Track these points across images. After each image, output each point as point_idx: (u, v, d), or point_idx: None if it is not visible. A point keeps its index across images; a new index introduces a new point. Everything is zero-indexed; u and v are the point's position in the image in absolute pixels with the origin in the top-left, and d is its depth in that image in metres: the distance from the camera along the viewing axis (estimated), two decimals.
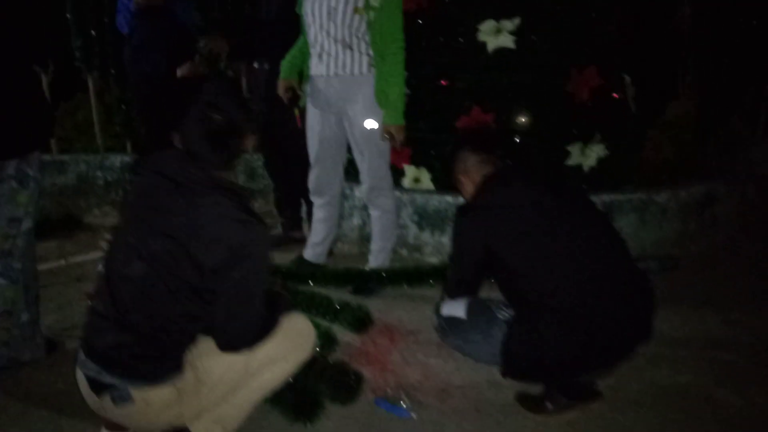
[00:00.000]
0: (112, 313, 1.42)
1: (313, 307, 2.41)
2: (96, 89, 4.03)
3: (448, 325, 1.85)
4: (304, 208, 3.32)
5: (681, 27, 4.31)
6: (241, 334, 1.48)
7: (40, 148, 1.98)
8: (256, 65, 3.10)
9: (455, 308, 1.84)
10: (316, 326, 2.15)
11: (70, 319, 2.36)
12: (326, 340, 2.11)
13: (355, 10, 2.35)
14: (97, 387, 1.43)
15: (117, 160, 4.01)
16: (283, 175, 3.27)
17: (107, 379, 1.41)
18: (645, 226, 2.99)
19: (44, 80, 3.99)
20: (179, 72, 3.19)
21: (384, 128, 2.46)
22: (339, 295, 2.54)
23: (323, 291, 2.56)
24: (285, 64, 2.62)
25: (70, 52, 3.89)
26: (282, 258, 3.11)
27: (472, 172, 1.89)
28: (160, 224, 1.41)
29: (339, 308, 2.35)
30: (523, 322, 1.72)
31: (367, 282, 2.65)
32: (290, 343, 1.60)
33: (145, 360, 1.42)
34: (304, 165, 2.80)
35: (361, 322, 2.28)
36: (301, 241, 3.33)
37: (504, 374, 1.81)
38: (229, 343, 1.49)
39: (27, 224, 1.94)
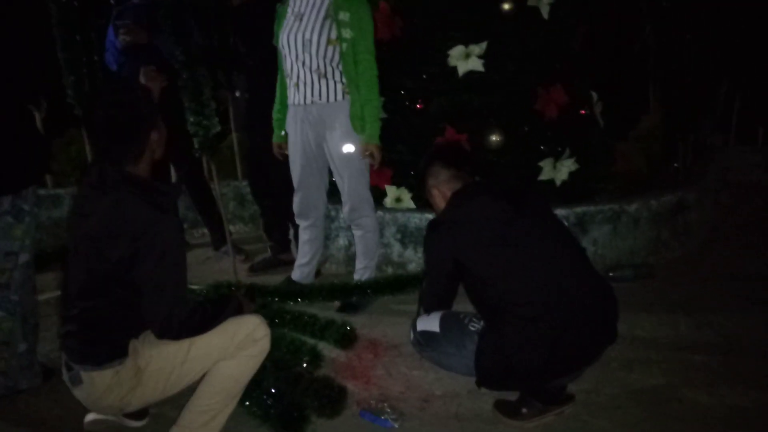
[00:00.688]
0: (64, 308, 1.70)
1: (300, 325, 2.51)
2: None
3: (424, 339, 1.96)
4: (291, 231, 3.43)
5: (645, 42, 4.49)
6: (165, 323, 1.59)
7: (35, 183, 2.07)
8: (237, 94, 3.24)
9: (429, 323, 1.95)
10: (303, 343, 2.28)
11: None
12: (312, 356, 2.20)
13: (329, 41, 2.50)
14: (68, 372, 1.69)
15: None
16: (269, 199, 3.39)
17: (70, 364, 1.66)
18: (618, 236, 3.11)
19: (38, 117, 4.15)
20: (121, 40, 3.29)
21: (363, 148, 2.59)
22: (325, 313, 2.64)
23: (310, 310, 2.66)
24: (274, 126, 2.80)
25: (62, 89, 4.01)
26: (272, 280, 3.22)
27: (442, 186, 2.00)
28: (84, 226, 1.61)
29: (325, 325, 2.45)
30: (492, 331, 1.82)
31: (352, 294, 2.74)
32: (237, 342, 1.69)
33: (90, 345, 1.63)
34: (288, 189, 2.92)
35: (346, 338, 2.38)
36: (291, 263, 3.44)
37: (479, 384, 1.90)
38: (158, 332, 1.62)
39: (24, 258, 2.04)
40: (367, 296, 2.73)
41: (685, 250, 3.37)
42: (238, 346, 1.70)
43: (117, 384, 1.63)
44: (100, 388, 1.62)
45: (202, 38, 3.34)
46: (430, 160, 2.07)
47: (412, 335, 2.02)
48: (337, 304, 2.77)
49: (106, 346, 1.63)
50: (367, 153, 2.61)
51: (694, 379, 2.09)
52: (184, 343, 1.66)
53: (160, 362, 1.66)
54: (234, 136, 4.26)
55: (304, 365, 2.15)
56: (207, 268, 3.56)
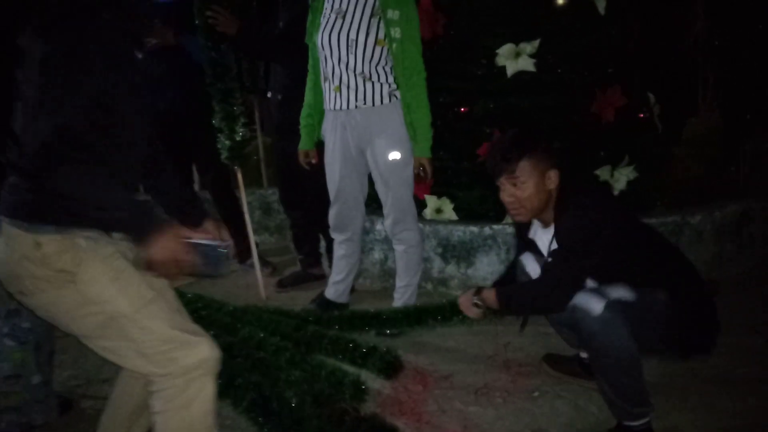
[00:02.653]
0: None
1: (339, 351, 2.29)
2: None
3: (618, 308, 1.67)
4: (323, 244, 3.22)
5: (697, 40, 4.22)
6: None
7: None
8: (269, 95, 3.03)
9: (618, 291, 1.70)
10: (345, 374, 2.05)
11: (85, 375, 2.24)
12: (356, 389, 1.98)
13: (377, 42, 2.28)
14: None
15: None
16: (301, 209, 3.17)
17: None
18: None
19: None
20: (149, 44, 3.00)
21: (416, 161, 2.39)
22: (365, 336, 2.42)
23: (348, 334, 2.43)
24: (302, 133, 2.57)
25: None
26: (302, 297, 3.01)
27: (559, 175, 1.79)
28: None
29: (367, 352, 2.22)
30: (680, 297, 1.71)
31: (389, 323, 2.51)
32: (164, 349, 1.30)
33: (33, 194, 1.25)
34: (322, 198, 2.71)
35: (391, 367, 2.15)
36: (321, 278, 3.24)
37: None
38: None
39: None
40: (412, 326, 2.47)
41: (749, 264, 3.10)
42: (161, 356, 1.29)
43: (32, 262, 1.26)
44: (15, 254, 1.27)
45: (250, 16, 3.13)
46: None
47: (597, 305, 1.65)
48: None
49: (50, 203, 1.23)
50: (419, 167, 2.40)
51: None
52: (117, 300, 1.28)
53: (86, 291, 1.28)
54: (260, 140, 4.06)
55: (348, 400, 1.92)
56: (232, 283, 3.35)
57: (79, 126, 1.19)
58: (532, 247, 1.98)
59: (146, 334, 1.30)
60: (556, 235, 1.80)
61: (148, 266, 1.25)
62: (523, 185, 1.77)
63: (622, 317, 1.64)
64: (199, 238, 1.34)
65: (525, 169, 1.76)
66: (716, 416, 1.84)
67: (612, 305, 1.65)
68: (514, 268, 2.11)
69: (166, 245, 1.23)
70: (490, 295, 1.88)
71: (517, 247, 2.14)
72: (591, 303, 1.67)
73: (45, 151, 1.16)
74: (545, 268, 1.85)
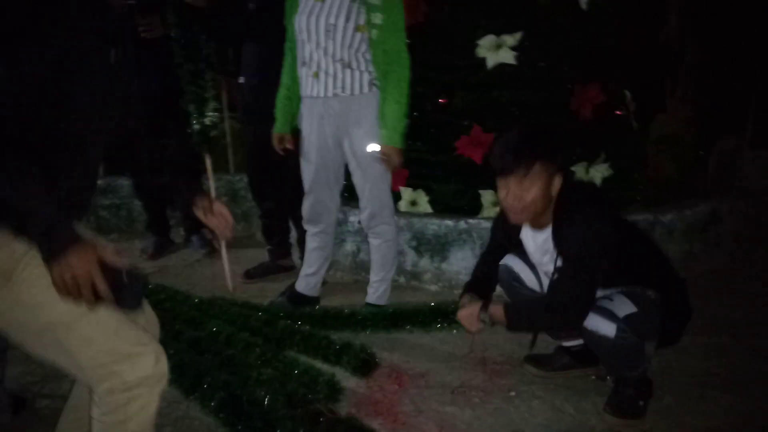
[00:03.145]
0: None
1: (312, 347, 2.21)
2: None
3: (631, 325, 1.71)
4: (293, 235, 3.13)
5: (670, 36, 4.26)
6: None
7: None
8: (241, 80, 2.89)
9: (621, 306, 1.73)
10: (319, 373, 1.98)
11: (40, 371, 2.09)
12: (330, 389, 1.91)
13: (357, 27, 2.19)
14: None
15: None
16: (272, 199, 3.06)
17: None
18: None
19: None
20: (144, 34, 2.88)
21: (381, 149, 2.29)
22: (338, 333, 2.35)
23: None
24: (278, 115, 2.44)
25: None
26: (271, 289, 2.92)
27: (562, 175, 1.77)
28: None
29: (341, 349, 2.16)
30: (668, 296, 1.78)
31: (364, 326, 2.44)
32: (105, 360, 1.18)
33: None
34: (295, 187, 2.61)
35: (365, 364, 2.09)
36: (290, 270, 3.15)
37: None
38: None
39: None
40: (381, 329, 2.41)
41: (714, 263, 3.15)
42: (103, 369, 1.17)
43: None
44: None
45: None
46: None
47: (610, 329, 1.71)
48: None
49: None
50: (384, 156, 2.31)
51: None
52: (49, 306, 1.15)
53: (20, 294, 1.16)
54: (227, 125, 3.92)
55: (323, 400, 1.85)
56: (196, 272, 3.24)
57: (7, 116, 1.08)
58: (518, 248, 1.94)
59: (85, 345, 1.16)
60: (557, 244, 1.77)
61: (54, 285, 1.09)
62: (531, 188, 1.72)
63: (634, 339, 1.72)
64: (120, 263, 1.15)
65: (536, 172, 1.70)
66: (692, 416, 1.85)
67: (623, 327, 1.70)
68: (487, 268, 2.07)
69: (76, 264, 1.07)
70: (498, 312, 1.82)
71: (495, 246, 2.09)
72: (603, 327, 1.72)
73: None
74: (554, 284, 1.81)
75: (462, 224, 2.78)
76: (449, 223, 2.80)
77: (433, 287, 2.88)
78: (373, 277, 2.55)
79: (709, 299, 2.74)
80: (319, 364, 2.10)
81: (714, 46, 3.74)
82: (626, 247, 1.76)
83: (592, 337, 1.75)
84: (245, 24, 2.64)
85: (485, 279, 2.06)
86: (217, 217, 1.44)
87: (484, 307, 1.86)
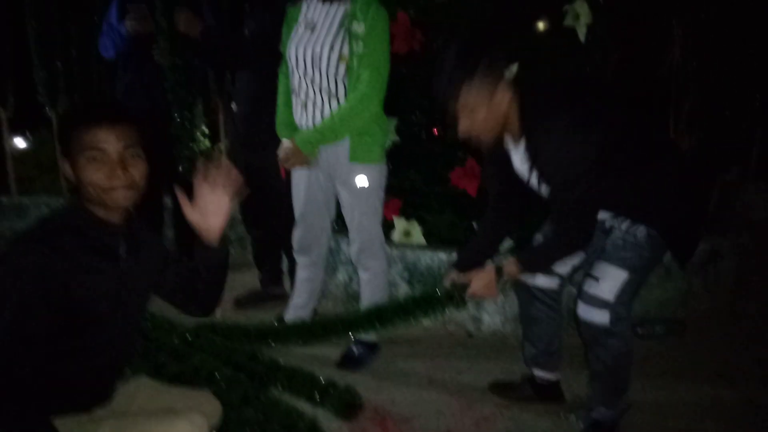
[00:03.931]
0: None
1: (296, 386, 2.16)
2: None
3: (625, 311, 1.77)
4: (285, 263, 3.08)
5: (672, 67, 4.20)
6: None
7: None
8: (233, 107, 2.87)
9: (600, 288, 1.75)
10: (300, 417, 1.92)
11: None
12: None
13: (340, 57, 2.15)
14: None
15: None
16: (263, 226, 3.03)
17: None
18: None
19: (3, 115, 3.74)
20: (128, 26, 2.87)
21: (292, 147, 2.23)
22: (323, 369, 2.29)
23: (306, 365, 2.30)
24: (280, 125, 2.39)
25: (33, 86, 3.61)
26: (260, 318, 2.86)
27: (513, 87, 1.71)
28: None
29: (325, 388, 2.10)
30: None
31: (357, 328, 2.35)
32: None
33: None
34: (286, 216, 2.57)
35: (350, 407, 2.03)
36: (282, 298, 3.10)
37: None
38: None
39: None
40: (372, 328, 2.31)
41: (715, 302, 3.08)
42: None
43: None
44: None
45: (216, 21, 2.95)
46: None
47: (603, 317, 1.75)
48: (336, 358, 2.42)
49: None
50: (284, 154, 2.26)
51: None
52: None
53: None
54: (223, 147, 3.90)
55: None
56: None
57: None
58: (510, 169, 1.85)
59: None
60: (532, 159, 1.68)
61: None
62: (473, 112, 1.64)
63: (626, 324, 1.77)
64: None
65: (470, 94, 1.62)
66: None
67: (615, 312, 1.73)
68: (484, 231, 2.06)
69: None
70: (512, 268, 1.84)
71: (492, 198, 2.03)
72: (595, 315, 1.75)
73: None
74: (552, 214, 1.81)
75: (455, 257, 2.72)
76: (442, 256, 2.74)
77: (425, 321, 2.82)
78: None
79: (706, 343, 2.68)
80: (302, 406, 2.04)
81: (717, 77, 3.69)
82: (618, 158, 1.64)
83: (589, 330, 1.78)
84: (239, 53, 2.61)
85: (482, 244, 2.05)
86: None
87: (499, 273, 1.86)
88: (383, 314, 2.15)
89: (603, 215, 1.81)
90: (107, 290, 1.28)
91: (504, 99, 1.64)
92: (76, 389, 1.31)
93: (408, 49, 2.75)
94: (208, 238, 1.39)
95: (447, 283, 2.02)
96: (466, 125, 1.67)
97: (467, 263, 2.02)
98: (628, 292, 1.74)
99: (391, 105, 2.38)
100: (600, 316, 1.75)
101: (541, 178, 1.69)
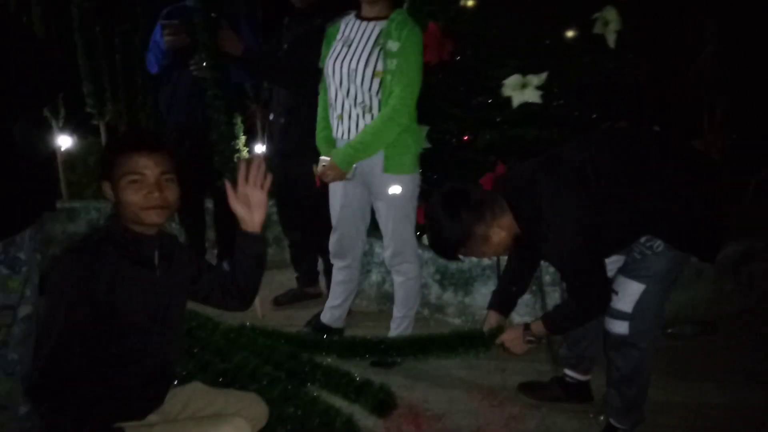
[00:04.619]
0: None
1: (333, 384, 2.28)
2: (107, 134, 3.95)
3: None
4: (321, 263, 3.20)
5: (705, 66, 4.16)
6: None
7: (32, 224, 1.73)
8: (271, 117, 3.00)
9: (622, 302, 1.82)
10: (338, 413, 2.03)
11: None
12: (349, 430, 1.96)
13: (374, 73, 2.25)
14: None
15: None
16: (299, 229, 3.15)
17: None
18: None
19: (54, 124, 3.95)
20: (167, 41, 2.99)
21: (329, 162, 2.34)
22: (359, 368, 2.40)
23: (342, 363, 2.42)
24: (320, 141, 2.48)
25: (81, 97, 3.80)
26: (298, 316, 3.00)
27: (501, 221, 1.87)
28: None
29: (361, 387, 2.21)
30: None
31: (387, 353, 2.49)
32: None
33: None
34: (321, 220, 2.69)
35: (384, 405, 2.14)
36: (317, 297, 3.23)
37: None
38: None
39: (25, 311, 1.77)
40: (407, 356, 2.45)
41: (746, 303, 3.08)
42: None
43: None
44: None
45: (253, 37, 3.07)
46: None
47: (622, 328, 1.83)
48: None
49: None
50: (322, 169, 2.37)
51: None
52: None
53: None
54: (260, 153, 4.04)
55: None
56: None
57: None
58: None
59: None
60: (543, 258, 1.94)
61: None
62: (481, 253, 1.88)
63: (647, 336, 1.82)
64: None
65: (469, 249, 1.85)
66: None
67: (635, 323, 1.79)
68: (513, 271, 2.16)
69: None
70: (539, 328, 1.93)
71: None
72: (615, 326, 1.83)
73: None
74: (567, 289, 1.92)
75: (485, 260, 2.80)
76: (473, 258, 2.82)
77: (457, 321, 2.91)
78: (396, 313, 2.59)
79: (737, 344, 2.69)
80: (339, 402, 2.15)
81: (752, 74, 3.65)
82: (612, 213, 1.74)
83: (610, 339, 1.87)
84: (278, 70, 2.73)
85: (511, 286, 2.15)
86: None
87: (527, 328, 1.95)
88: (419, 345, 2.35)
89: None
90: (145, 298, 1.43)
91: (501, 230, 1.83)
92: (127, 395, 1.44)
93: (438, 59, 2.83)
94: (250, 227, 1.54)
95: (486, 327, 2.10)
96: (480, 256, 1.96)
97: (501, 303, 2.13)
98: (650, 303, 1.79)
99: (423, 113, 2.47)
100: (620, 327, 1.81)
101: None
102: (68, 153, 4.08)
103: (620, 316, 1.82)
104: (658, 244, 1.78)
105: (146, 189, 1.37)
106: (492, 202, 1.82)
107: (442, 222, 1.80)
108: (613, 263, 1.90)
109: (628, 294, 1.81)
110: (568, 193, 1.74)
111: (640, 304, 1.79)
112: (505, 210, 1.81)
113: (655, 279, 1.80)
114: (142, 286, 1.42)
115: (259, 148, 4.02)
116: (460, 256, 1.93)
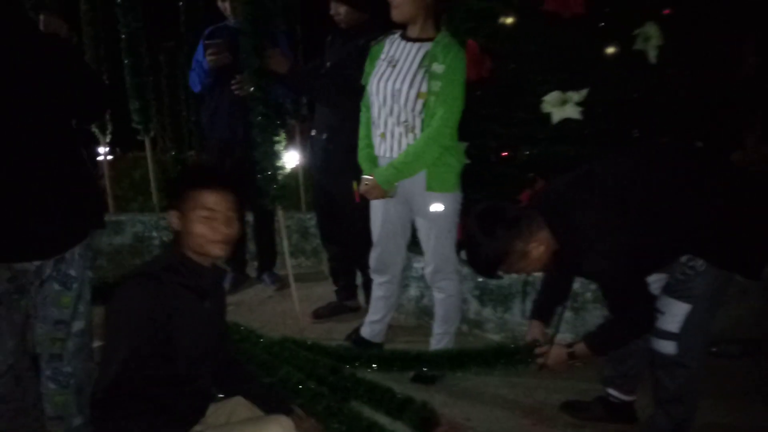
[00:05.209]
0: None
1: (375, 399, 2.31)
2: (152, 149, 4.07)
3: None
4: (360, 277, 3.25)
5: (746, 74, 4.08)
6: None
7: (82, 241, 1.80)
8: (313, 133, 3.06)
9: (669, 321, 1.82)
10: (381, 430, 2.07)
11: None
12: None
13: (419, 94, 2.29)
14: None
15: None
16: (338, 243, 3.20)
17: None
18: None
19: (102, 140, 4.10)
20: (210, 60, 3.11)
21: (372, 181, 2.37)
22: (400, 384, 2.43)
23: (383, 377, 2.45)
24: (362, 160, 2.51)
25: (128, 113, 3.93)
26: (338, 329, 3.05)
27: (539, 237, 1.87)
28: None
29: (403, 403, 2.23)
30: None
31: (429, 366, 2.52)
32: None
33: None
34: (360, 235, 2.73)
35: (427, 423, 2.16)
36: (357, 310, 3.27)
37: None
38: None
39: (78, 325, 1.85)
40: (445, 369, 2.48)
41: None
42: None
43: None
44: None
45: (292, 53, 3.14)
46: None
47: (670, 347, 1.83)
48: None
49: None
50: (365, 188, 2.40)
51: None
52: None
53: None
54: (299, 166, 4.12)
55: None
56: (268, 309, 3.41)
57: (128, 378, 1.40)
58: None
59: None
60: (587, 278, 1.94)
61: None
62: (521, 269, 1.88)
63: (695, 355, 1.82)
64: None
65: (509, 266, 1.84)
66: None
67: (682, 343, 1.79)
68: (549, 290, 2.17)
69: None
70: (582, 350, 1.92)
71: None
72: (662, 345, 1.83)
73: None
74: (609, 308, 1.90)
75: (524, 275, 2.81)
76: (513, 274, 2.82)
77: (496, 337, 2.92)
78: (437, 329, 2.61)
79: None
80: (382, 419, 2.18)
81: None
82: (650, 230, 1.73)
83: (658, 358, 1.87)
84: (321, 89, 2.79)
85: (551, 295, 2.16)
86: None
87: (569, 348, 1.95)
88: (457, 359, 2.36)
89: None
90: (196, 326, 1.51)
91: (542, 243, 1.82)
92: (173, 411, 1.52)
93: (477, 76, 2.85)
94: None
95: (529, 337, 2.12)
96: (519, 272, 1.94)
97: (542, 313, 2.14)
98: (697, 322, 1.79)
99: (462, 130, 2.49)
100: (667, 347, 1.82)
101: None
102: (114, 167, 4.22)
103: (667, 336, 1.82)
104: (701, 264, 1.77)
105: (215, 224, 1.47)
106: (528, 218, 1.82)
107: (480, 240, 1.81)
108: (655, 282, 1.90)
109: (674, 314, 1.81)
110: (605, 209, 1.74)
111: (687, 324, 1.79)
112: (542, 226, 1.82)
113: (700, 299, 1.79)
114: (194, 315, 1.51)
115: (297, 161, 4.11)
116: (500, 273, 1.93)
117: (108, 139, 4.06)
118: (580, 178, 1.84)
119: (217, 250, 1.50)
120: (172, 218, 1.51)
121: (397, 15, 2.31)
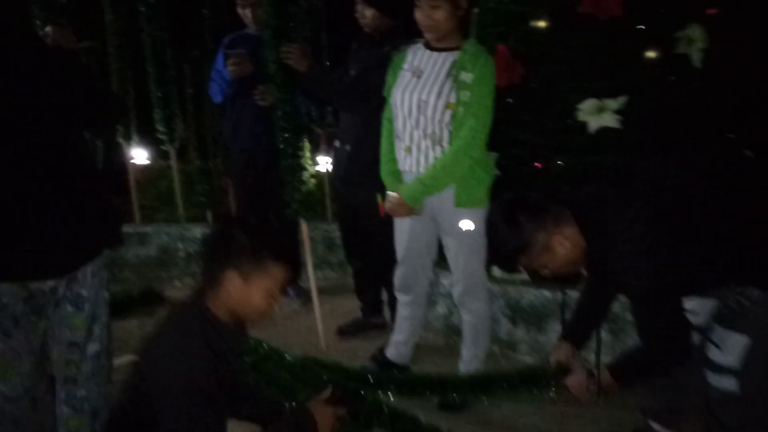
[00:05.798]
0: None
1: (399, 428, 2.19)
2: (177, 160, 4.04)
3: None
4: (385, 294, 3.14)
5: None
6: None
7: (93, 259, 1.72)
8: (337, 144, 2.96)
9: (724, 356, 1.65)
10: None
11: None
12: None
13: (447, 105, 2.16)
14: None
15: (198, 231, 3.97)
16: (364, 259, 3.10)
17: None
18: None
19: (127, 148, 4.08)
20: (229, 70, 3.04)
21: (398, 198, 2.26)
22: (426, 410, 2.30)
23: (409, 404, 2.33)
24: (386, 176, 2.41)
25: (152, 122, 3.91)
26: (362, 348, 2.94)
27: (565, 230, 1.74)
28: None
29: None
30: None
31: (455, 392, 2.38)
32: None
33: None
34: (384, 250, 2.62)
35: None
36: (382, 327, 3.16)
37: None
38: None
39: (93, 348, 1.77)
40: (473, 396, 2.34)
41: None
42: None
43: None
44: None
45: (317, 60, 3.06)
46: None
47: (730, 383, 1.65)
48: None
49: None
50: (390, 205, 2.30)
51: None
52: None
53: None
54: (325, 175, 4.03)
55: None
56: (291, 325, 3.32)
57: None
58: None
59: None
60: (617, 288, 1.76)
61: None
62: (545, 262, 1.71)
63: (760, 391, 1.63)
64: None
65: (530, 259, 1.70)
66: None
67: (744, 377, 1.61)
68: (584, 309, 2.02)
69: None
70: (607, 378, 1.76)
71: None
72: (722, 381, 1.65)
73: None
74: (639, 330, 1.73)
75: (560, 295, 2.65)
76: (547, 294, 2.68)
77: (528, 358, 2.77)
78: (465, 351, 2.48)
79: None
80: None
81: None
82: (687, 241, 1.58)
83: (717, 394, 1.69)
84: (341, 94, 2.69)
85: (586, 314, 2.01)
86: None
87: (591, 377, 1.79)
88: (484, 384, 2.18)
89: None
90: (220, 386, 1.47)
91: (566, 242, 1.68)
92: None
93: (508, 82, 2.71)
94: None
95: (552, 359, 1.96)
96: (544, 271, 1.75)
97: (574, 334, 1.98)
98: (760, 356, 1.61)
99: (492, 139, 2.36)
100: (727, 383, 1.65)
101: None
102: (140, 178, 4.21)
103: (726, 371, 1.65)
104: (758, 294, 1.60)
105: (274, 301, 1.47)
106: (555, 211, 1.71)
107: (500, 228, 1.71)
108: (699, 306, 1.73)
109: (731, 347, 1.64)
110: (638, 210, 1.60)
111: (748, 358, 1.62)
112: (570, 221, 1.69)
113: (759, 331, 1.62)
114: (219, 376, 1.47)
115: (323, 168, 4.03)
116: (521, 268, 1.81)
117: (134, 148, 4.04)
118: (616, 176, 1.75)
119: (261, 320, 1.50)
120: (231, 278, 1.43)
121: (436, 34, 2.20)
